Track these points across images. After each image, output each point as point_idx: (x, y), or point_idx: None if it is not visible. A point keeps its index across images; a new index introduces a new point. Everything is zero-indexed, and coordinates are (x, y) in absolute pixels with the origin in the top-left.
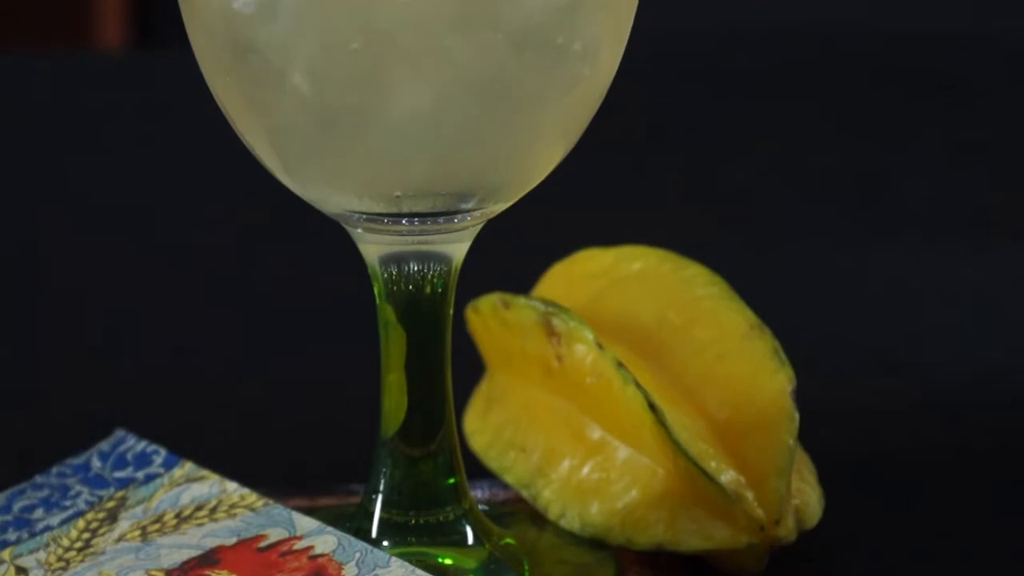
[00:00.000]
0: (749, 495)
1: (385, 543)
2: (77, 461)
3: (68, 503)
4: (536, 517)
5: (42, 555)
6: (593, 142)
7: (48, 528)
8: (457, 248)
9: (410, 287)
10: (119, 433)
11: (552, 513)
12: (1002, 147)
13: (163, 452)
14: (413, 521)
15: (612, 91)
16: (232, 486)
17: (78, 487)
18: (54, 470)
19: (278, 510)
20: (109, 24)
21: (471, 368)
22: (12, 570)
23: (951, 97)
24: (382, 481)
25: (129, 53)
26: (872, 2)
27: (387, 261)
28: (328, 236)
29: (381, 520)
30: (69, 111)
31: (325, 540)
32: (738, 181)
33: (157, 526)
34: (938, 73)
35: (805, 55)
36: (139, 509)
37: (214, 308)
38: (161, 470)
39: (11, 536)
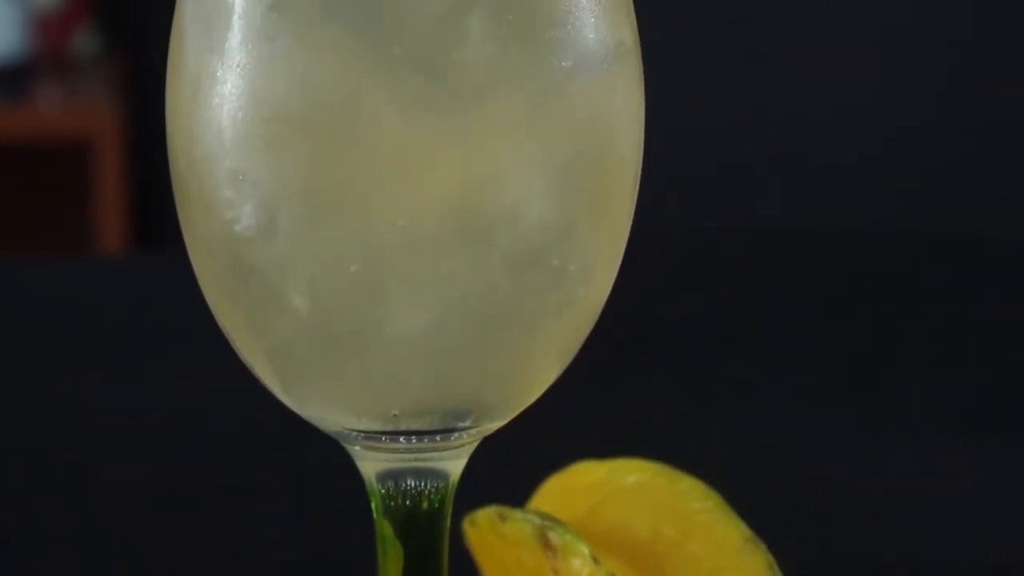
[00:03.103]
0: None
1: None
2: None
3: None
4: None
5: None
6: (589, 352)
7: None
8: (454, 464)
9: (407, 503)
10: None
11: None
12: (996, 345)
13: None
14: None
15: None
16: None
17: None
18: None
19: None
20: (110, 230)
21: None
22: None
23: (946, 296)
24: None
25: (129, 259)
26: (861, 203)
27: (384, 477)
28: (326, 448)
29: None
30: (71, 317)
31: None
32: (730, 385)
33: None
34: (933, 273)
35: (795, 253)
36: None
37: (213, 525)
38: None
39: None
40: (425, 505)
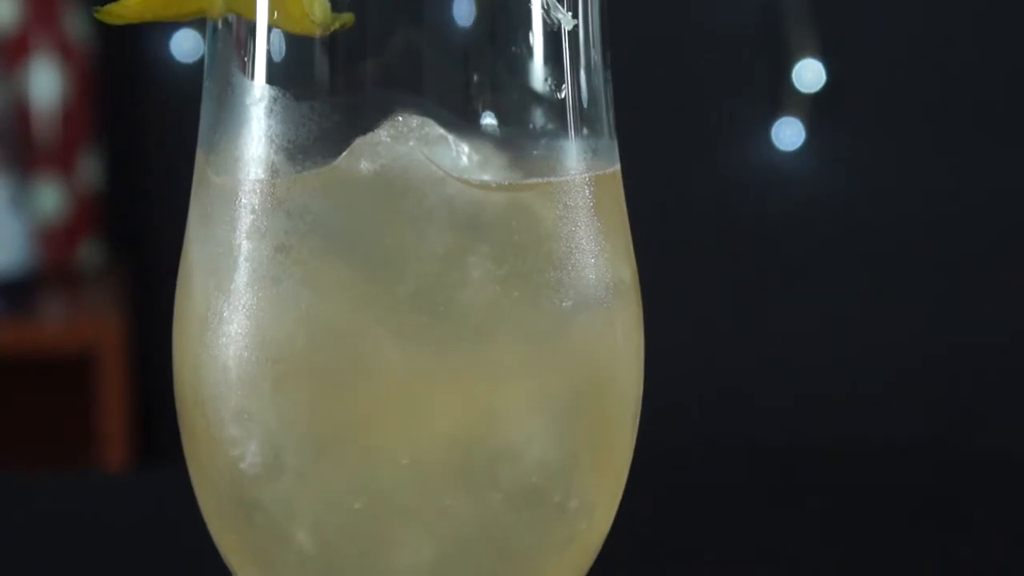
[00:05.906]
0: None
1: None
2: None
3: None
4: None
5: None
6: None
7: None
8: None
9: None
10: None
11: None
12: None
13: None
14: None
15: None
16: None
17: None
18: None
19: None
20: (113, 444)
21: None
22: None
23: (945, 514)
24: None
25: (132, 474)
26: (861, 415)
27: None
28: None
29: None
30: (73, 532)
31: None
32: None
33: None
34: (930, 487)
35: (806, 468)
36: None
37: None
38: None
39: None
40: None
